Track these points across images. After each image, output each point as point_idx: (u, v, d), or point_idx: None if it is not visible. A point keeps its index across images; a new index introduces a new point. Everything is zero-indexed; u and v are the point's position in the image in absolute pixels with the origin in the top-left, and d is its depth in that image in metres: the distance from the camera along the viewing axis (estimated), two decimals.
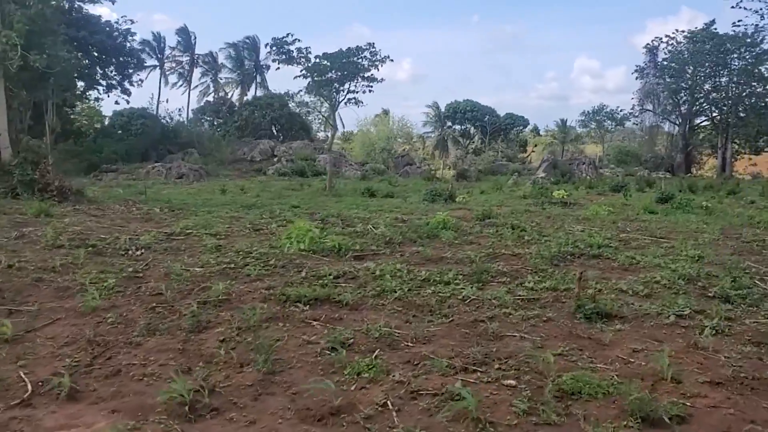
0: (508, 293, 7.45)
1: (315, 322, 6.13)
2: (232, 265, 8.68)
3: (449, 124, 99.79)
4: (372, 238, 11.65)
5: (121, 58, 44.80)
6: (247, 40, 79.35)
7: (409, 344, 5.57)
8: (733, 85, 56.64)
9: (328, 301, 6.85)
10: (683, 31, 58.64)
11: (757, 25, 51.84)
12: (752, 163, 64.96)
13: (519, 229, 13.07)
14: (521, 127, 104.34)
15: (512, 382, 4.65)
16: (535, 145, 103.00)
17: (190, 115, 78.19)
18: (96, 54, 42.88)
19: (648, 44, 61.27)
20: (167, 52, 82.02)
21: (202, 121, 75.82)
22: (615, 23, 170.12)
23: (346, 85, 24.33)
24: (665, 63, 59.83)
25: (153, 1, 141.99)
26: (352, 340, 5.51)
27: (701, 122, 61.68)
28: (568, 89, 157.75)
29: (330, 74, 23.71)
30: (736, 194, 26.26)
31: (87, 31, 39.58)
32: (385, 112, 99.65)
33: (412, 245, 11.05)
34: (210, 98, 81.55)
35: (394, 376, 4.70)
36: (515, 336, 5.89)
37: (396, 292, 7.26)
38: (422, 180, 36.42)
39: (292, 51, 23.13)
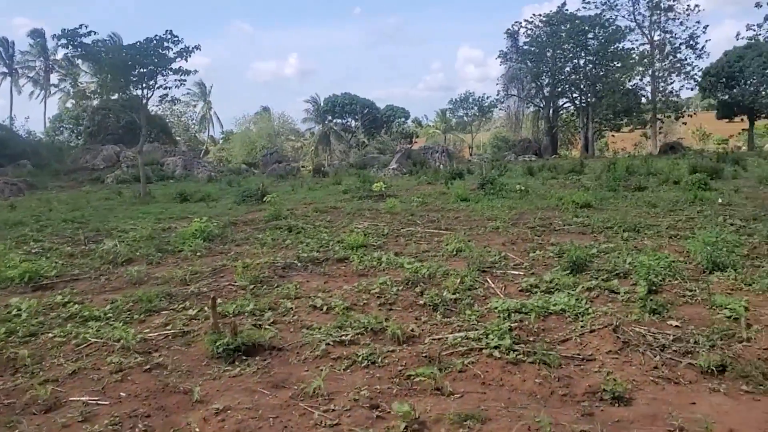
0: (163, 326, 5.84)
1: None
2: None
3: (330, 118, 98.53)
4: (99, 257, 9.72)
5: None
6: (108, 40, 73.97)
7: None
8: (591, 65, 58.30)
9: None
10: (540, 15, 59.95)
11: (607, 2, 53.48)
12: (613, 141, 67.94)
13: (295, 231, 11.59)
14: (402, 119, 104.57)
15: None
16: (417, 136, 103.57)
17: (47, 124, 72.38)
18: None
19: (508, 29, 62.14)
20: (17, 57, 75.61)
21: (61, 129, 70.33)
22: (493, 11, 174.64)
23: (156, 80, 21.94)
24: (525, 47, 60.87)
25: (13, 3, 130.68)
26: None
27: (564, 104, 63.33)
28: (454, 79, 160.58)
29: (136, 69, 21.23)
30: (577, 174, 26.13)
31: None
32: (265, 109, 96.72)
33: (137, 263, 9.23)
34: (69, 105, 75.85)
35: None
36: (79, 401, 4.23)
37: None
38: (271, 180, 34.46)
39: (89, 44, 20.45)
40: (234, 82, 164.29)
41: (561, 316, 5.80)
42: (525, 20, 60.94)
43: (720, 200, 14.18)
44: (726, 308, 5.63)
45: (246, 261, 8.63)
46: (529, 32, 60.60)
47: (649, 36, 53.23)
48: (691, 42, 52.14)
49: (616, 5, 53.55)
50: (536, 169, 28.25)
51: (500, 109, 69.60)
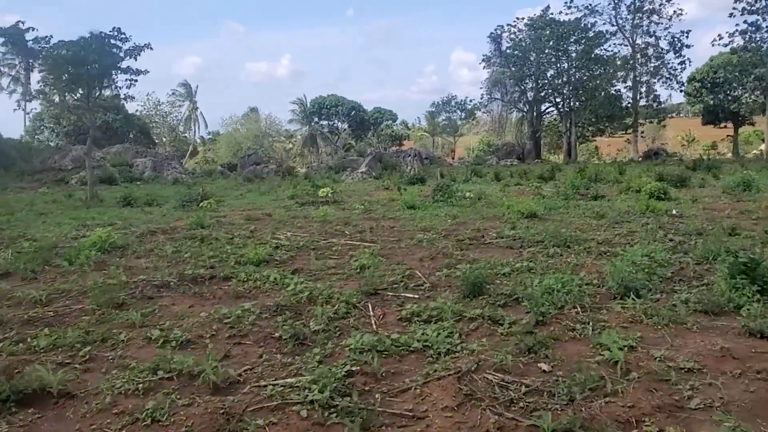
0: None
1: None
2: None
3: (316, 119, 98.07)
4: None
5: None
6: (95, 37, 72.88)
7: None
8: (573, 70, 57.67)
9: None
10: (523, 19, 59.32)
11: (588, 6, 52.91)
12: (599, 146, 67.37)
13: (207, 242, 10.75)
14: (390, 121, 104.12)
15: None
16: (407, 139, 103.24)
17: (27, 123, 71.14)
18: None
19: (491, 33, 61.48)
20: None
21: (42, 128, 69.15)
22: (487, 16, 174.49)
23: (104, 80, 20.99)
24: (509, 51, 60.19)
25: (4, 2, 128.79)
26: None
27: (546, 109, 62.71)
28: (448, 82, 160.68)
29: (85, 68, 20.24)
30: (545, 180, 25.32)
31: None
32: (253, 110, 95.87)
33: (12, 278, 8.38)
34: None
35: None
36: None
37: None
38: (238, 182, 33.60)
39: (28, 42, 19.42)
40: (227, 82, 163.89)
41: (422, 355, 4.97)
42: (508, 24, 60.30)
43: (674, 211, 13.44)
44: (609, 348, 4.81)
45: (122, 279, 7.80)
46: (512, 36, 60.02)
47: (630, 40, 52.62)
48: (675, 44, 51.55)
49: (598, 9, 52.94)
50: (505, 175, 27.49)
51: (484, 113, 68.99)
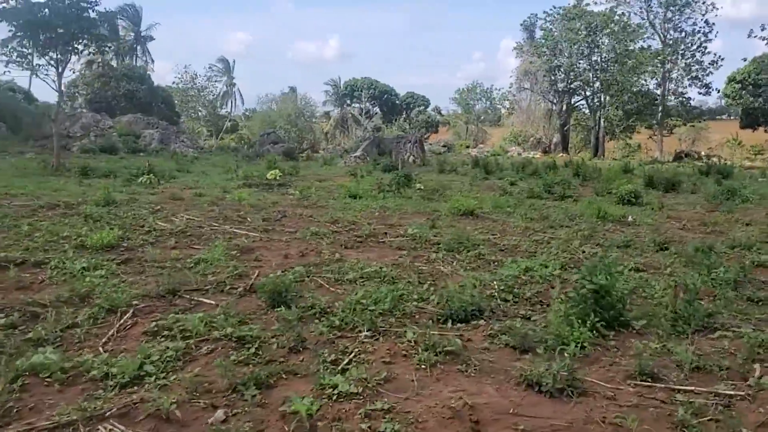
0: None
1: None
2: None
3: (348, 102, 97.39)
4: None
5: None
6: (128, 8, 73.49)
7: None
8: (604, 63, 55.08)
9: None
10: (559, 8, 56.87)
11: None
12: (639, 143, 64.43)
13: (91, 221, 9.89)
14: (422, 107, 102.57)
15: None
16: (447, 125, 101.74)
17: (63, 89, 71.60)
18: None
19: (524, 21, 59.34)
20: None
21: (76, 95, 69.88)
22: (538, 3, 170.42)
23: (74, 45, 20.20)
24: (541, 41, 57.95)
25: None
26: None
27: (576, 103, 60.22)
28: (495, 70, 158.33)
29: (57, 30, 19.48)
30: (534, 176, 23.76)
31: None
32: (293, 90, 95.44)
33: None
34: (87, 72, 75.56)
35: None
36: None
37: None
38: (235, 160, 32.88)
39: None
40: (275, 60, 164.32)
41: (95, 385, 3.94)
42: (544, 12, 57.96)
43: (630, 218, 12.06)
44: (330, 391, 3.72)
45: None
46: (546, 25, 57.72)
47: (661, 35, 49.87)
48: (704, 44, 48.68)
49: (629, 1, 50.25)
50: (499, 168, 26.10)
51: (512, 103, 66.86)
